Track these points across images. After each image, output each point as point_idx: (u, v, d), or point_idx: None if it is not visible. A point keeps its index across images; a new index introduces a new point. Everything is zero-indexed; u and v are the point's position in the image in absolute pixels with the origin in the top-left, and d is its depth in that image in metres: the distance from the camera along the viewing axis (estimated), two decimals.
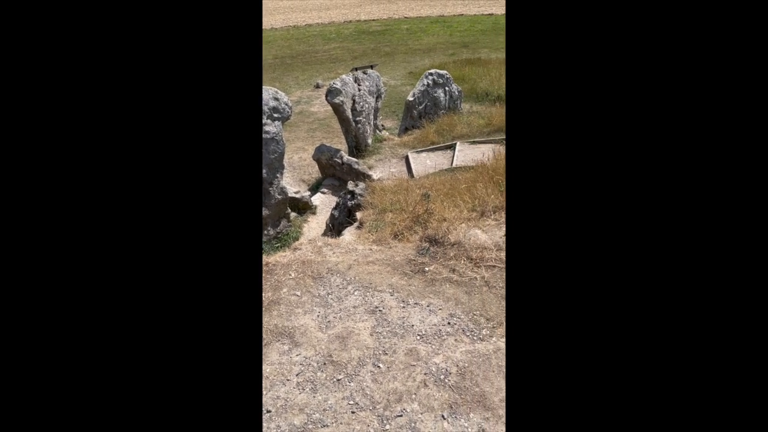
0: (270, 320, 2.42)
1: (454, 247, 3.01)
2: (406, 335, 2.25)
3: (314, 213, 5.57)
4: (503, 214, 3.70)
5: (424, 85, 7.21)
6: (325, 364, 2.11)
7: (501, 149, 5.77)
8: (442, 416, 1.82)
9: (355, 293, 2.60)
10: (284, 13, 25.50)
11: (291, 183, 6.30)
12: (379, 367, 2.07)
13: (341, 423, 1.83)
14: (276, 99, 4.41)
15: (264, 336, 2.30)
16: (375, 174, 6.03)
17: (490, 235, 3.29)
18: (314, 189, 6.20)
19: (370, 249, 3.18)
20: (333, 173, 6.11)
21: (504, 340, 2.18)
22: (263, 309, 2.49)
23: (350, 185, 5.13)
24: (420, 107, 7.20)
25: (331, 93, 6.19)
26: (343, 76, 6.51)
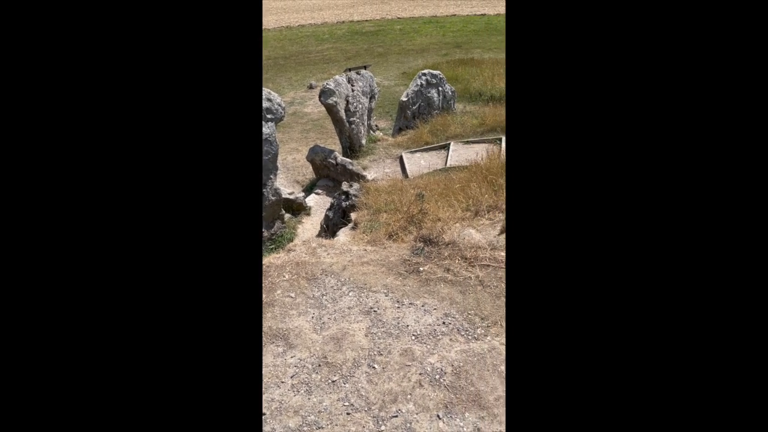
0: (264, 322, 2.40)
1: (449, 246, 3.01)
2: (401, 335, 2.25)
3: (308, 214, 5.56)
4: (497, 214, 3.72)
5: (417, 85, 7.22)
6: (319, 365, 2.10)
7: (495, 149, 5.80)
8: (438, 416, 1.82)
9: (350, 294, 2.59)
10: (277, 14, 25.42)
11: (285, 184, 6.27)
12: (374, 367, 2.06)
13: (336, 424, 1.82)
14: (269, 100, 4.39)
15: None
16: (369, 174, 6.02)
17: (484, 234, 3.30)
18: (308, 190, 6.18)
19: (365, 249, 3.18)
20: (327, 174, 6.09)
21: (498, 339, 2.19)
22: None
23: (344, 186, 5.12)
24: (413, 107, 7.21)
25: (325, 94, 6.18)
26: (337, 76, 6.50)
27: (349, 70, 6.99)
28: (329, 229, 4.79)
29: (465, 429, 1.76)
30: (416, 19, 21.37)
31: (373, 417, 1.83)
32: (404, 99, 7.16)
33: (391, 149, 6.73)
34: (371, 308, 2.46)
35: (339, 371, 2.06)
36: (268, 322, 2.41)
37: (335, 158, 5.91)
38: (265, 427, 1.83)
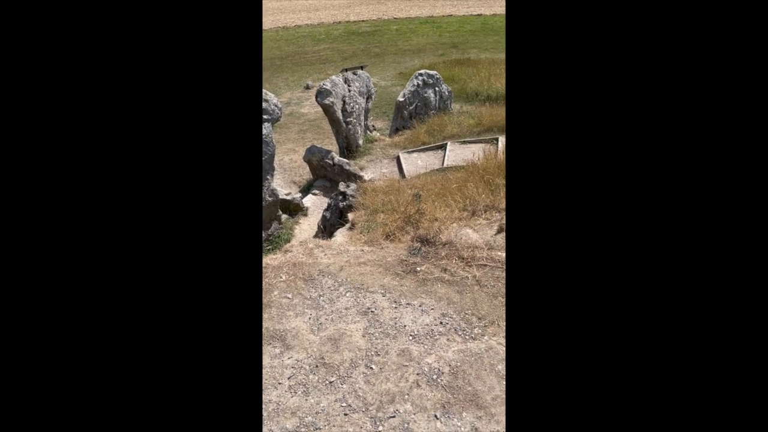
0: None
1: (446, 246, 3.01)
2: (398, 336, 2.24)
3: (306, 215, 5.55)
4: (494, 214, 3.72)
5: (414, 85, 7.22)
6: (317, 366, 2.10)
7: (491, 149, 5.81)
8: (435, 416, 1.82)
9: (347, 295, 2.59)
10: (273, 14, 25.37)
11: (282, 185, 6.26)
12: (371, 368, 2.06)
13: (334, 425, 1.82)
14: (265, 100, 4.38)
15: None
16: (366, 175, 6.02)
17: (481, 234, 3.31)
18: (305, 191, 6.17)
19: (362, 250, 3.17)
20: (324, 174, 6.09)
21: (496, 339, 2.19)
22: None
23: (341, 186, 5.11)
24: (410, 108, 7.22)
25: (321, 94, 6.17)
26: (333, 77, 6.50)
27: (346, 70, 6.99)
28: (326, 229, 4.78)
29: (462, 429, 1.76)
30: (413, 19, 21.39)
31: (371, 417, 1.83)
32: (401, 99, 7.17)
33: (388, 149, 6.73)
34: (368, 309, 2.46)
35: (336, 372, 2.05)
36: (265, 323, 2.40)
37: (332, 159, 5.91)
38: (263, 429, 1.82)
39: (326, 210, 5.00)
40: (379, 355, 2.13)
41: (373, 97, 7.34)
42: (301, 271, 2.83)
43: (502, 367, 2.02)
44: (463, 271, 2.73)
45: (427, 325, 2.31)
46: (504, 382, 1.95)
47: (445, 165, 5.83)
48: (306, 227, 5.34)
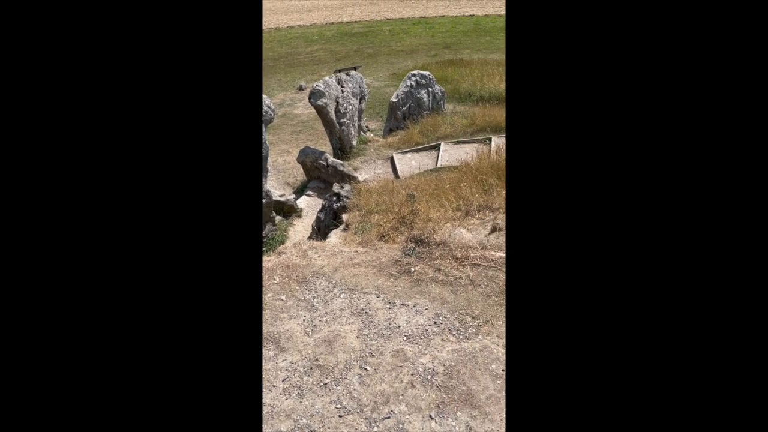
0: None
1: (440, 246, 3.02)
2: (392, 336, 2.25)
3: (300, 216, 5.53)
4: (487, 213, 3.74)
5: (407, 86, 7.24)
6: (311, 368, 2.09)
7: (484, 149, 5.84)
8: (430, 416, 1.82)
9: (341, 296, 2.59)
10: (265, 15, 25.28)
11: (276, 186, 6.24)
12: (366, 369, 2.06)
13: (328, 427, 1.81)
14: None
15: None
16: (360, 175, 6.02)
17: (474, 234, 3.32)
18: (299, 192, 6.15)
19: (356, 251, 3.17)
20: (318, 176, 6.08)
21: (489, 338, 2.20)
22: None
23: (336, 187, 5.10)
24: (404, 108, 7.23)
25: (315, 95, 6.16)
26: (326, 78, 6.49)
27: (339, 71, 6.98)
28: (321, 230, 4.77)
29: (457, 428, 1.77)
30: (405, 20, 21.43)
31: (366, 419, 1.83)
32: (394, 100, 7.18)
33: (381, 150, 6.74)
34: (363, 310, 2.46)
35: (331, 374, 2.05)
36: None
37: (326, 160, 5.90)
38: None
39: (320, 211, 5.00)
40: (373, 356, 2.13)
41: (366, 98, 7.34)
42: (295, 272, 2.82)
43: (496, 366, 2.03)
44: (456, 271, 2.74)
45: (422, 325, 2.31)
46: (498, 381, 1.95)
47: (438, 165, 5.85)
48: (300, 229, 5.32)
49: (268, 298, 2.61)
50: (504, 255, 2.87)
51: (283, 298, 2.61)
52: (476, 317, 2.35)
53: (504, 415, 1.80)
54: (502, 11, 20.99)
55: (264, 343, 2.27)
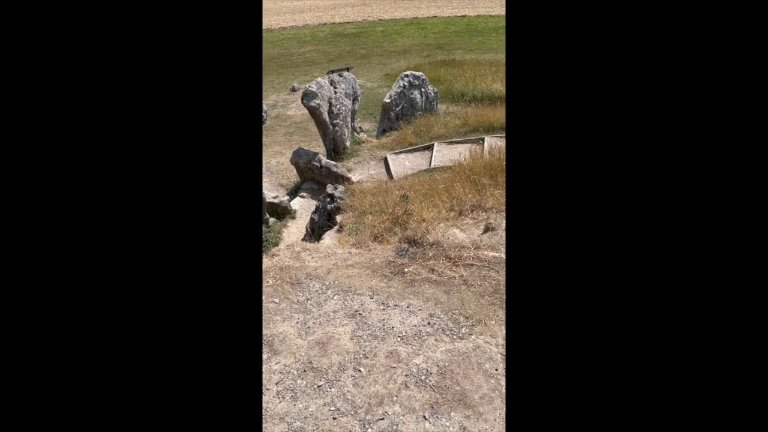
0: None
1: (433, 247, 3.03)
2: (386, 337, 2.25)
3: (294, 218, 5.51)
4: (480, 213, 3.76)
5: (400, 86, 7.24)
6: (305, 371, 2.08)
7: (477, 149, 5.86)
8: (424, 417, 1.82)
9: (335, 298, 2.58)
10: None
11: (269, 188, 6.21)
12: (359, 371, 2.06)
13: (322, 430, 1.81)
14: None
15: None
16: (354, 176, 6.01)
17: (468, 234, 3.33)
18: (293, 193, 6.13)
19: (350, 252, 3.17)
20: (312, 177, 6.06)
21: (483, 337, 2.21)
22: None
23: (329, 188, 5.09)
24: (397, 109, 7.24)
25: (307, 96, 6.14)
26: (319, 79, 6.48)
27: (332, 72, 6.97)
28: (315, 232, 4.75)
29: (451, 428, 1.77)
30: (398, 20, 21.45)
31: (360, 420, 1.83)
32: (387, 100, 7.18)
33: (375, 151, 6.74)
34: (356, 311, 2.45)
35: (324, 376, 2.04)
36: None
37: (319, 161, 5.88)
38: None
39: (314, 212, 4.98)
40: (367, 357, 2.13)
41: (359, 98, 7.34)
42: (288, 275, 2.81)
43: (489, 366, 2.04)
44: (450, 271, 2.75)
45: (415, 326, 2.31)
46: (491, 381, 1.96)
47: (432, 165, 5.86)
48: (294, 230, 5.30)
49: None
50: (497, 255, 2.88)
51: (276, 300, 2.60)
52: (469, 317, 2.35)
53: (497, 414, 1.81)
54: (494, 12, 21.10)
55: None
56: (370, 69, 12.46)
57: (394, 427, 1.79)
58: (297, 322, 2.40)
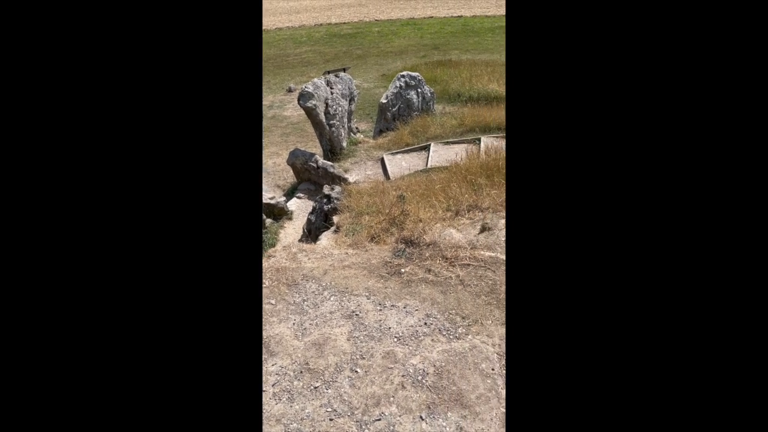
0: None
1: (430, 247, 3.03)
2: (383, 338, 2.24)
3: (290, 219, 5.50)
4: (477, 213, 3.76)
5: (396, 87, 7.25)
6: (301, 372, 2.08)
7: (474, 149, 5.87)
8: (421, 417, 1.82)
9: (331, 299, 2.58)
10: None
11: (266, 189, 6.19)
12: (356, 372, 2.05)
13: (319, 431, 1.80)
14: None
15: None
16: (351, 177, 6.01)
17: (464, 234, 3.34)
18: (290, 194, 6.12)
19: (346, 253, 3.16)
20: (308, 178, 6.05)
21: (479, 337, 2.21)
22: None
23: (326, 189, 5.09)
24: (393, 109, 7.24)
25: (304, 97, 6.14)
26: (315, 79, 6.47)
27: (328, 72, 6.97)
28: (312, 233, 4.75)
29: (447, 429, 1.77)
30: (394, 21, 21.47)
31: (356, 421, 1.82)
32: (384, 101, 7.18)
33: (372, 151, 6.74)
34: (353, 312, 2.45)
35: (321, 377, 2.04)
36: None
37: (316, 161, 5.88)
38: None
39: (311, 213, 4.97)
40: (364, 358, 2.12)
41: (355, 99, 7.34)
42: (285, 276, 2.81)
43: (485, 366, 2.04)
44: (446, 271, 2.75)
45: (412, 326, 2.31)
46: (488, 381, 1.96)
47: (428, 166, 5.86)
48: (291, 231, 5.29)
49: None
50: (493, 254, 2.89)
51: (273, 301, 2.59)
52: (466, 317, 2.36)
53: (494, 414, 1.81)
54: (490, 12, 21.15)
55: None
56: (366, 69, 12.46)
57: (391, 427, 1.79)
58: (293, 324, 2.40)
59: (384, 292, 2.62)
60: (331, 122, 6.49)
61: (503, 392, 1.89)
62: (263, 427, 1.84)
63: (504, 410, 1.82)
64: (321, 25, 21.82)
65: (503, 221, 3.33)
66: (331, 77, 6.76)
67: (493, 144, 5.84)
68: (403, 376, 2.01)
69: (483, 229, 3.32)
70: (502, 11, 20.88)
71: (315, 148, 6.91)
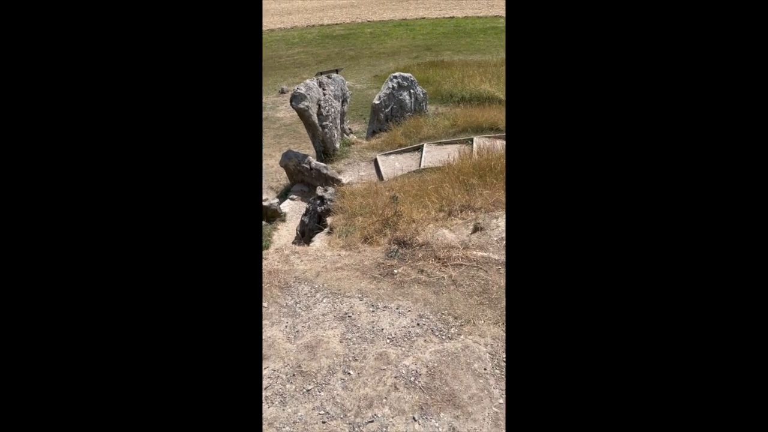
0: None
1: (422, 247, 3.04)
2: (375, 339, 2.24)
3: (284, 220, 5.47)
4: (469, 213, 3.78)
5: (389, 88, 7.25)
6: (294, 375, 2.07)
7: (466, 149, 5.90)
8: (413, 418, 1.82)
9: (324, 301, 2.57)
10: None
11: None
12: (349, 374, 2.05)
13: None
14: None
15: None
16: (344, 178, 6.00)
17: (457, 234, 3.35)
18: (283, 196, 6.09)
19: (339, 254, 3.16)
20: (302, 179, 6.03)
21: (471, 337, 2.22)
22: None
23: (319, 190, 5.07)
24: (386, 110, 7.25)
25: (296, 98, 6.12)
26: (308, 80, 6.45)
27: (321, 74, 6.95)
28: (305, 234, 4.73)
29: (440, 429, 1.77)
30: (386, 22, 21.49)
31: (349, 424, 1.82)
32: (377, 102, 7.18)
33: (365, 152, 6.73)
34: (346, 314, 2.44)
35: (314, 380, 2.03)
36: None
37: (309, 163, 5.86)
38: None
39: (304, 215, 4.96)
40: (356, 360, 2.12)
41: (348, 100, 7.33)
42: (277, 278, 2.79)
43: (478, 366, 2.05)
44: (439, 272, 2.76)
45: (405, 327, 2.31)
46: (480, 381, 1.97)
47: (422, 166, 5.87)
48: (285, 233, 5.27)
49: None
50: (485, 254, 2.90)
51: (265, 304, 2.58)
52: (458, 317, 2.36)
53: (486, 414, 1.82)
54: (482, 13, 21.26)
55: None
56: (359, 70, 12.46)
57: (384, 429, 1.79)
58: (286, 326, 2.39)
59: (377, 293, 2.62)
60: (324, 123, 6.48)
61: (495, 392, 1.90)
62: None
63: (496, 410, 1.82)
64: (313, 26, 21.79)
65: (495, 221, 3.34)
66: (324, 78, 6.75)
67: (485, 144, 5.87)
68: (395, 377, 2.01)
69: (475, 229, 3.33)
70: (494, 12, 21.00)
71: (308, 149, 6.90)
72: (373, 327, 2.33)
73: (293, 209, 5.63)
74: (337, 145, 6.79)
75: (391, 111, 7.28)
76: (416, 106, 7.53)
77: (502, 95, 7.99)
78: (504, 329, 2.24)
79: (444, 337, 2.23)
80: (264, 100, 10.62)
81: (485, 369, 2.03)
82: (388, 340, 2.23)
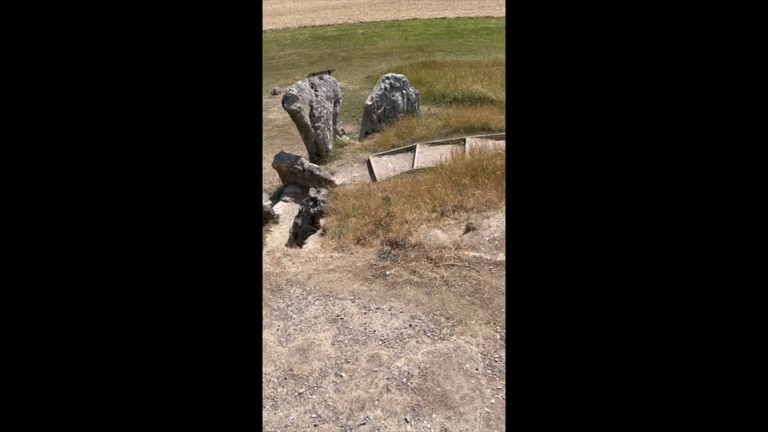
0: None
1: (415, 248, 3.04)
2: (368, 341, 2.24)
3: (277, 222, 5.45)
4: (462, 213, 3.79)
5: (381, 89, 7.25)
6: (285, 378, 2.06)
7: (459, 149, 5.91)
8: (405, 420, 1.82)
9: (316, 303, 2.56)
10: None
11: None
12: (341, 376, 2.04)
13: None
14: None
15: None
16: (337, 179, 5.99)
17: (449, 234, 3.35)
18: (276, 198, 6.06)
19: (331, 256, 3.15)
20: (294, 181, 6.01)
21: (463, 338, 2.22)
22: None
23: (312, 192, 5.06)
24: (379, 111, 7.25)
25: (288, 100, 6.09)
26: (299, 82, 6.43)
27: (313, 75, 6.93)
28: (298, 236, 4.71)
29: (432, 430, 1.77)
30: (378, 23, 21.50)
31: (341, 426, 1.81)
32: (369, 103, 7.18)
33: (358, 153, 6.72)
34: (337, 316, 2.44)
35: (305, 383, 2.02)
36: None
37: (302, 164, 5.84)
38: None
39: (297, 217, 4.93)
40: (348, 362, 2.11)
41: (341, 101, 7.32)
42: (268, 281, 2.78)
43: (469, 366, 2.05)
44: (431, 272, 2.76)
45: (397, 328, 2.31)
46: (472, 381, 1.97)
47: (414, 167, 5.88)
48: (278, 235, 5.24)
49: None
50: (477, 254, 2.91)
51: None
52: (450, 317, 2.36)
53: (478, 414, 1.82)
54: (473, 14, 21.36)
55: None
56: (351, 71, 12.45)
57: (376, 431, 1.78)
58: (277, 329, 2.37)
59: (369, 294, 2.61)
60: (317, 125, 6.46)
61: (487, 392, 1.91)
62: None
63: (488, 410, 1.83)
64: (305, 27, 21.73)
65: (487, 221, 3.36)
66: (316, 80, 6.73)
67: (478, 144, 5.89)
68: (387, 379, 2.00)
69: (467, 230, 3.34)
70: (485, 12, 21.10)
71: (301, 150, 6.87)
72: (365, 329, 2.32)
73: (286, 211, 5.61)
74: (330, 147, 6.78)
75: (384, 112, 7.28)
76: (409, 107, 7.53)
77: (493, 95, 8.03)
78: (495, 329, 2.24)
79: (436, 338, 2.23)
80: None
81: (477, 369, 2.03)
82: (380, 342, 2.23)
